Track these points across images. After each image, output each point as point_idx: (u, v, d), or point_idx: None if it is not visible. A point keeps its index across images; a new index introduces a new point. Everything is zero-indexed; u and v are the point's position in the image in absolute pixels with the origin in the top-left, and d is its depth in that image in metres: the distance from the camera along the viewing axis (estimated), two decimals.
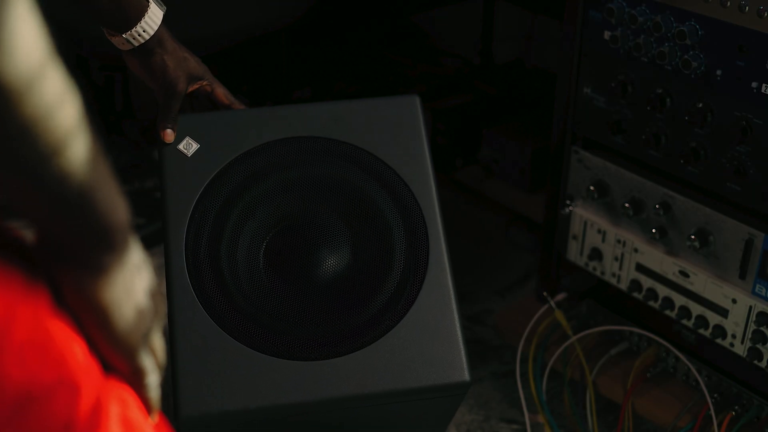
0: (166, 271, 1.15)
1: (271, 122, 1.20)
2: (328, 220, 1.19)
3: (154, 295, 0.71)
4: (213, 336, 1.12)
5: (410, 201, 1.19)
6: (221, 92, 1.23)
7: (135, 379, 0.72)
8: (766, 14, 1.12)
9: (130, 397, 0.71)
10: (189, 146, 1.17)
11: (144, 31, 1.14)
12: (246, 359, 1.12)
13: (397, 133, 1.21)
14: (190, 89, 1.20)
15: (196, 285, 1.13)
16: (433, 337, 1.14)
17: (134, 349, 0.69)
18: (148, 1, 1.14)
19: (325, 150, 1.19)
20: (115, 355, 0.69)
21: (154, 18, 1.15)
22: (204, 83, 1.21)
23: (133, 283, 0.68)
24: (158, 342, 0.73)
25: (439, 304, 1.16)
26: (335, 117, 1.21)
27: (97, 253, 0.65)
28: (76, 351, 0.64)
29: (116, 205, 0.65)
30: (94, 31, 1.61)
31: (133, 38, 1.14)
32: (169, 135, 1.16)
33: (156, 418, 0.75)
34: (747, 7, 1.14)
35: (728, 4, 1.16)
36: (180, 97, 1.18)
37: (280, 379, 1.11)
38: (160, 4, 1.16)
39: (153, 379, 0.73)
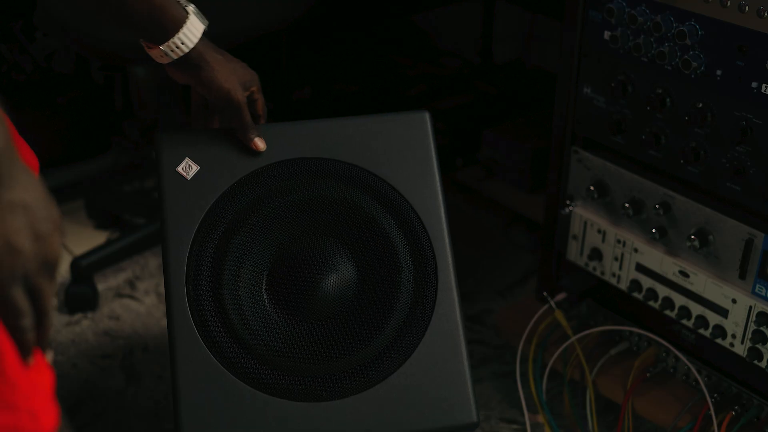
0: (167, 305, 1.12)
1: (273, 141, 1.16)
2: (332, 249, 1.16)
3: (41, 238, 0.70)
4: (215, 375, 1.10)
5: (418, 227, 1.15)
6: (261, 105, 1.20)
7: (6, 317, 0.71)
8: (766, 14, 1.12)
9: None
10: (188, 169, 1.14)
11: (182, 43, 1.10)
12: (250, 400, 1.10)
13: (406, 153, 1.17)
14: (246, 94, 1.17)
15: (197, 320, 1.11)
16: (441, 376, 1.12)
17: (1, 285, 0.69)
18: (188, 13, 1.11)
19: (330, 173, 1.16)
20: None
21: (193, 30, 1.11)
22: (254, 89, 1.18)
23: (5, 220, 0.67)
24: (47, 287, 0.72)
25: (448, 342, 1.13)
26: (342, 136, 1.17)
27: None
28: None
29: None
30: (94, 30, 1.61)
31: (171, 50, 1.11)
32: (259, 144, 1.14)
33: (31, 361, 0.74)
34: (747, 7, 1.14)
35: (728, 4, 1.16)
36: (243, 105, 1.14)
37: (286, 420, 1.09)
38: (202, 18, 1.13)
39: (27, 322, 0.72)
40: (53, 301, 0.75)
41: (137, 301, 1.86)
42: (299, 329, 1.14)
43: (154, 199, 2.10)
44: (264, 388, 1.11)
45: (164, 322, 1.74)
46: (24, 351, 0.74)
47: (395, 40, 2.60)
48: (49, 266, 0.72)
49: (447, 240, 1.16)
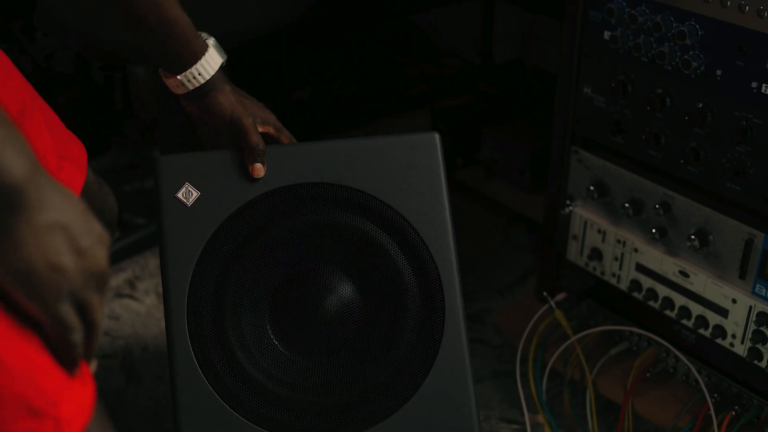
0: (167, 338, 1.10)
1: (277, 165, 1.12)
2: (337, 278, 1.14)
3: (83, 253, 0.70)
4: (218, 413, 1.08)
5: (426, 258, 1.12)
6: (286, 138, 1.19)
7: (56, 333, 0.72)
8: (766, 14, 1.12)
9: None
10: (189, 194, 1.11)
11: (199, 74, 1.11)
12: None
13: (413, 177, 1.13)
14: (260, 130, 1.16)
15: (199, 354, 1.09)
16: (448, 410, 1.11)
17: (49, 304, 0.70)
18: (207, 46, 1.12)
19: (335, 199, 1.12)
20: (29, 306, 0.70)
21: (211, 62, 1.12)
22: (270, 128, 1.17)
23: (43, 242, 0.68)
24: (95, 300, 0.73)
25: (455, 374, 1.11)
26: (348, 159, 1.13)
27: None
28: None
29: (6, 165, 0.64)
30: (94, 30, 1.61)
31: (188, 80, 1.12)
32: (258, 169, 1.11)
33: (76, 372, 0.76)
34: (747, 7, 1.14)
35: (728, 4, 1.16)
36: (249, 129, 1.13)
37: None
38: (222, 52, 1.14)
39: (77, 337, 0.73)
40: (102, 312, 0.75)
41: (137, 301, 1.86)
42: (304, 362, 1.12)
43: (153, 200, 2.10)
44: (269, 425, 1.09)
45: (164, 323, 1.75)
46: (71, 364, 0.75)
47: (395, 40, 2.60)
48: (96, 278, 0.72)
49: (455, 270, 1.12)
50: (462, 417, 1.11)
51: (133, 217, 2.04)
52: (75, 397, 0.75)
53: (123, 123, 2.21)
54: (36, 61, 2.18)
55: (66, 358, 0.74)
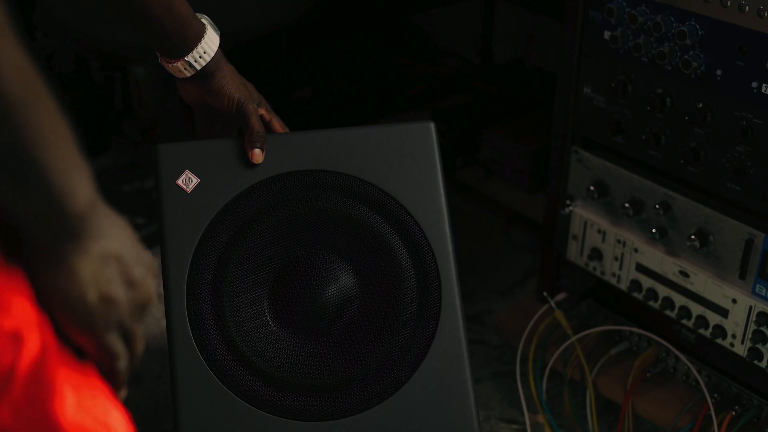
0: (167, 322, 1.11)
1: (276, 153, 1.13)
2: (335, 264, 1.14)
3: (134, 284, 0.71)
4: (216, 394, 1.09)
5: (422, 243, 1.14)
6: (277, 124, 1.20)
7: (101, 361, 0.73)
8: (766, 14, 1.12)
9: (87, 379, 0.72)
10: (189, 181, 1.11)
11: (205, 53, 1.12)
12: (252, 420, 1.09)
13: (409, 165, 1.15)
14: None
15: (198, 337, 1.10)
16: (444, 394, 1.11)
17: (97, 334, 0.70)
18: (205, 24, 1.14)
19: (333, 186, 1.14)
20: (77, 335, 0.69)
21: (213, 39, 1.14)
22: (262, 110, 1.18)
23: (98, 272, 0.67)
24: (138, 330, 0.73)
25: (451, 360, 1.12)
26: (345, 147, 1.14)
27: (52, 240, 0.65)
28: (20, 303, 0.64)
29: (74, 191, 0.64)
30: (94, 30, 1.61)
31: (195, 60, 1.12)
32: (258, 155, 1.12)
33: (120, 396, 0.77)
34: (747, 7, 1.14)
35: (728, 4, 1.16)
36: (253, 115, 1.14)
37: None
38: (216, 28, 1.15)
39: (122, 364, 0.74)
40: (142, 342, 0.76)
41: None
42: (301, 345, 1.13)
43: (153, 199, 2.10)
44: (266, 407, 1.10)
45: (164, 322, 1.74)
46: (115, 389, 0.76)
47: (395, 40, 2.60)
48: (142, 309, 0.73)
49: (451, 255, 1.14)
50: (458, 400, 1.12)
51: (133, 217, 2.04)
52: (121, 416, 0.76)
53: (123, 123, 2.21)
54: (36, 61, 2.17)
55: (110, 383, 0.75)
